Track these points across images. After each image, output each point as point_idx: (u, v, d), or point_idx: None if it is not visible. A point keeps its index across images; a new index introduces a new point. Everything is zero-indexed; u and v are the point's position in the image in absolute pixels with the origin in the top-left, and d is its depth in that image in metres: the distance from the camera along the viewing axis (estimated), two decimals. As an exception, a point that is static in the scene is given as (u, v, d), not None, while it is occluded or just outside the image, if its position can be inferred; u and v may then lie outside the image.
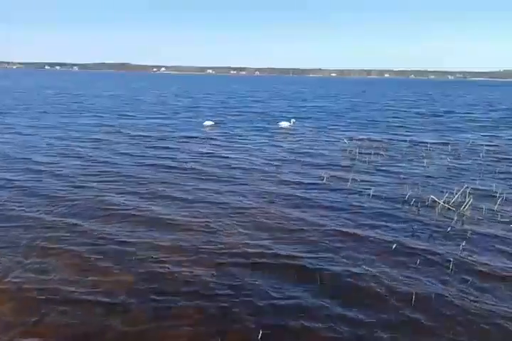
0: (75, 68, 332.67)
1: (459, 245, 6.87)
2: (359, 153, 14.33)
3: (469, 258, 6.46)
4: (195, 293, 5.32)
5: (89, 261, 6.08)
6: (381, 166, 12.63)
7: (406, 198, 9.24)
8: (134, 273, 5.75)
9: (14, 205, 8.30)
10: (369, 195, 9.50)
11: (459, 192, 9.02)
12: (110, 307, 4.97)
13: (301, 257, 6.33)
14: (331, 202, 8.99)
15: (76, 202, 8.56)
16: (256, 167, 12.15)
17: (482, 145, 16.39)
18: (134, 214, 7.94)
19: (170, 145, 15.27)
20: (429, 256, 6.48)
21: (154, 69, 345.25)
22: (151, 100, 38.35)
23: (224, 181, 10.51)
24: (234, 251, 6.51)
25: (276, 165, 12.40)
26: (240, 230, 7.33)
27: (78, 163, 12.14)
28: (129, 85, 72.37)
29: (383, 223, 7.81)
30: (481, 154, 14.58)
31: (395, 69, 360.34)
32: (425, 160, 13.34)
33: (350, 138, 17.38)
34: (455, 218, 8.14)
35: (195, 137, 17.34)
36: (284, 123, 21.08)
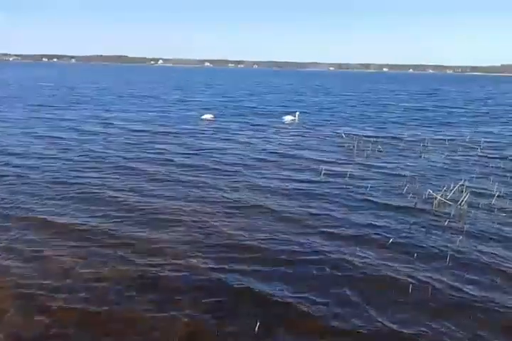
0: (73, 60, 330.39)
1: (456, 239, 6.91)
2: (357, 147, 14.35)
3: (466, 251, 6.50)
4: (192, 285, 5.35)
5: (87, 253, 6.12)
6: (379, 161, 12.66)
7: (403, 192, 9.28)
8: (131, 266, 5.78)
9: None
10: (366, 188, 9.53)
11: (456, 187, 9.05)
12: (107, 301, 5.01)
13: (300, 251, 6.37)
14: (327, 196, 9.01)
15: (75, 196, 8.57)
16: (250, 161, 12.17)
17: (480, 140, 16.42)
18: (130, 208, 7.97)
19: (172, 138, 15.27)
20: (426, 250, 6.52)
21: (152, 62, 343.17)
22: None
23: (220, 174, 10.54)
24: (231, 243, 6.55)
25: (272, 161, 12.42)
26: (234, 223, 7.36)
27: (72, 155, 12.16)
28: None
29: (380, 217, 7.84)
30: (478, 149, 14.61)
31: (393, 64, 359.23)
32: (423, 155, 13.37)
33: (348, 133, 17.38)
34: (452, 212, 8.18)
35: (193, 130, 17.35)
36: (288, 117, 20.91)
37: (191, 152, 13.09)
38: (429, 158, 13.11)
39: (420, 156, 13.23)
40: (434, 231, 7.26)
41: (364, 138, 16.03)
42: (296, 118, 20.72)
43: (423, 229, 7.33)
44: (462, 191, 8.86)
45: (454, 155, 13.53)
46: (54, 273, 5.53)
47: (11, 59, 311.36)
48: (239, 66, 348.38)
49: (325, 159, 12.62)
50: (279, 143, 15.02)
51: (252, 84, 65.66)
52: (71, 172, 10.23)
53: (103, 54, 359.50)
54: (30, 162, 11.21)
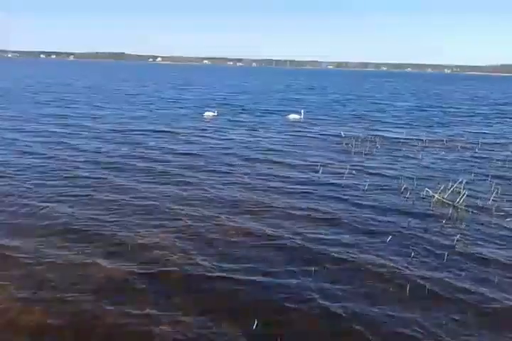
0: (71, 57, 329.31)
1: (454, 237, 6.94)
2: (355, 146, 14.37)
3: (463, 249, 6.54)
4: (192, 282, 5.37)
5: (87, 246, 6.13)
6: (376, 160, 12.69)
7: (401, 191, 9.30)
8: (130, 262, 5.80)
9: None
10: (364, 186, 9.55)
11: (454, 186, 9.08)
12: (105, 295, 5.03)
13: (300, 245, 6.40)
14: (326, 194, 9.03)
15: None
16: (247, 160, 12.19)
17: (477, 140, 16.45)
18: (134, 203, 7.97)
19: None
20: (424, 247, 6.56)
21: (150, 60, 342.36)
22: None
23: (220, 172, 10.56)
24: (231, 242, 6.57)
25: (271, 159, 12.43)
26: (233, 220, 7.38)
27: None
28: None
29: (378, 215, 7.87)
30: (476, 148, 14.64)
31: (392, 63, 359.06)
32: (420, 155, 13.40)
33: (347, 132, 17.39)
34: (450, 211, 8.21)
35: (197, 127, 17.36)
36: (293, 116, 20.82)
37: (190, 150, 13.10)
38: (426, 157, 13.14)
39: (418, 156, 13.26)
40: (431, 230, 7.29)
41: (362, 138, 16.04)
42: (302, 116, 20.70)
43: (420, 228, 7.36)
44: (460, 191, 8.89)
45: (452, 155, 13.55)
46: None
47: (9, 55, 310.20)
48: (238, 64, 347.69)
49: (323, 158, 12.63)
50: (280, 142, 15.02)
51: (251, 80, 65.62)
52: (78, 170, 10.25)
53: (101, 51, 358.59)
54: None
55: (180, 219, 7.34)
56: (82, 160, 11.30)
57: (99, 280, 5.32)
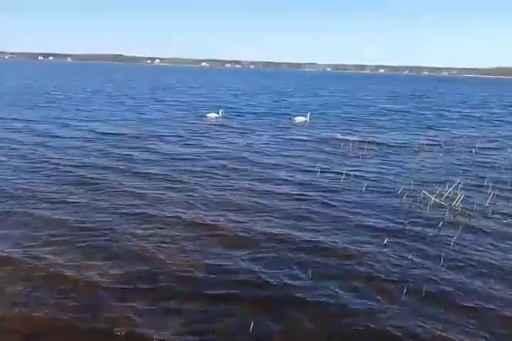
0: (69, 59, 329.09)
1: (451, 239, 6.97)
2: (352, 149, 14.40)
3: (460, 252, 6.56)
4: (188, 283, 5.37)
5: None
6: (373, 161, 12.72)
7: (398, 193, 9.33)
8: (123, 264, 5.79)
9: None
10: (362, 189, 9.58)
11: (451, 188, 9.11)
12: (104, 290, 5.03)
13: (297, 245, 6.41)
14: (323, 196, 9.05)
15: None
16: (247, 162, 12.20)
17: (474, 142, 16.52)
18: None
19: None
20: (421, 250, 6.58)
21: (148, 61, 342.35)
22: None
23: (218, 175, 10.57)
24: (231, 241, 6.58)
25: (270, 160, 12.45)
26: (233, 221, 7.38)
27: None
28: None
29: (375, 218, 7.89)
30: (473, 150, 14.70)
31: (389, 65, 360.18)
32: (417, 157, 13.44)
33: (344, 134, 17.44)
34: (447, 213, 8.24)
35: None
36: (299, 118, 20.86)
37: (190, 152, 13.11)
38: (423, 159, 13.18)
39: (415, 158, 13.29)
40: (428, 232, 7.31)
41: (359, 140, 16.07)
42: (308, 119, 20.77)
43: (418, 230, 7.38)
44: (456, 193, 8.91)
45: (449, 158, 13.59)
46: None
47: (6, 57, 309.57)
48: (236, 66, 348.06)
49: (321, 159, 12.66)
50: (280, 144, 15.04)
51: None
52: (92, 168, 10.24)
53: (100, 52, 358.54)
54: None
55: (181, 220, 7.36)
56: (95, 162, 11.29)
57: (96, 283, 5.33)
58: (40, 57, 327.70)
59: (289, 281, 5.50)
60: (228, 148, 13.87)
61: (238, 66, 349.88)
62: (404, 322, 4.75)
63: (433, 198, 8.80)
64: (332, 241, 6.76)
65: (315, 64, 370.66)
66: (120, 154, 12.30)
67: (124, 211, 7.71)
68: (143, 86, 48.50)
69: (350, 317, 4.82)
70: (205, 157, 12.42)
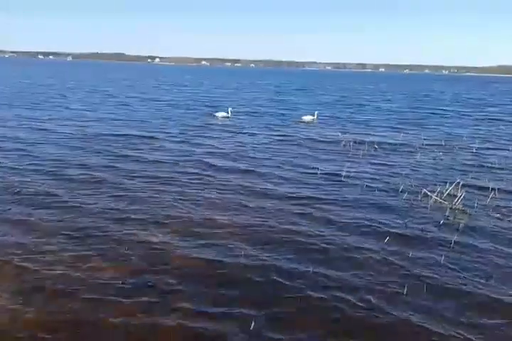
0: (69, 58, 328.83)
1: (451, 238, 6.95)
2: (353, 147, 14.38)
3: (461, 250, 6.55)
4: (188, 281, 5.37)
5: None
6: (374, 160, 12.71)
7: (399, 191, 9.32)
8: (123, 264, 5.79)
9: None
10: (362, 187, 9.57)
11: (452, 186, 9.09)
12: (105, 285, 5.03)
13: (297, 245, 6.41)
14: (324, 194, 9.04)
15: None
16: (248, 161, 12.19)
17: (474, 140, 16.49)
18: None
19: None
20: (422, 248, 6.57)
21: (149, 60, 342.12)
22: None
23: (217, 174, 10.56)
24: (231, 241, 6.57)
25: (269, 160, 12.44)
26: (233, 221, 7.38)
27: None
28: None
29: (376, 216, 7.87)
30: (473, 149, 14.67)
31: (390, 64, 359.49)
32: (418, 155, 13.41)
33: (345, 132, 17.42)
34: (447, 211, 8.22)
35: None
36: (307, 117, 20.89)
37: (198, 151, 13.10)
38: (424, 159, 13.15)
39: (415, 157, 13.27)
40: (429, 230, 7.30)
41: (360, 138, 16.05)
42: (315, 117, 20.83)
43: (418, 228, 7.37)
44: (457, 192, 8.90)
45: (449, 156, 13.56)
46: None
47: (6, 56, 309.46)
48: (236, 65, 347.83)
49: (322, 158, 12.66)
50: (281, 144, 15.03)
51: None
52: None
53: (100, 51, 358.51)
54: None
55: (181, 220, 7.35)
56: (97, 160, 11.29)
57: (99, 280, 5.32)
58: (40, 56, 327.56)
59: (289, 280, 5.50)
60: (234, 147, 13.85)
61: (238, 65, 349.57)
62: (404, 322, 4.74)
63: (433, 197, 8.79)
64: (332, 241, 6.75)
65: (315, 62, 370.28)
66: (120, 154, 12.29)
67: (122, 211, 7.71)
68: (148, 84, 48.47)
69: (350, 316, 4.82)
70: (208, 156, 12.41)
